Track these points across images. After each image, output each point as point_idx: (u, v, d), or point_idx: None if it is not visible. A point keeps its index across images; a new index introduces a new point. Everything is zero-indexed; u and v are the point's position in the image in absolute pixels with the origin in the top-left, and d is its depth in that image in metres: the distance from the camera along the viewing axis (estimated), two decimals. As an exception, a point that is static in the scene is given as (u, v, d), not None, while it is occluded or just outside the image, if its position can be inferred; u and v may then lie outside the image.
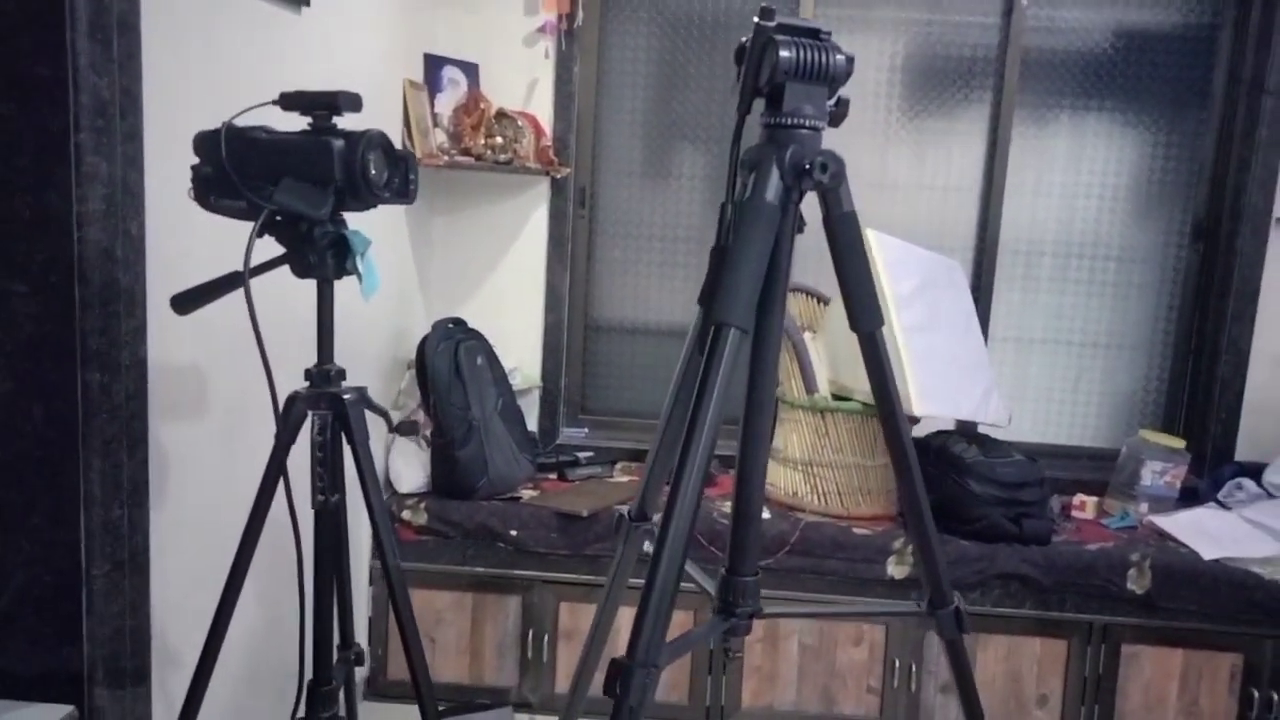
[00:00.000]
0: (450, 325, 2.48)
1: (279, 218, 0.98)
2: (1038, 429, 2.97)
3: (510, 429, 2.54)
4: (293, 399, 1.04)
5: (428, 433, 2.44)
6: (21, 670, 1.24)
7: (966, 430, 2.65)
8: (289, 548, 1.74)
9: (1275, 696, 2.29)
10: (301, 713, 1.10)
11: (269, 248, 1.04)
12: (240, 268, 1.00)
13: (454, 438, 2.35)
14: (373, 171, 0.96)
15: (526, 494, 2.49)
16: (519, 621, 2.39)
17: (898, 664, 2.35)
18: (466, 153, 2.54)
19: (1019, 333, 2.94)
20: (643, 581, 0.88)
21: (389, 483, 2.42)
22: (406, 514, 2.36)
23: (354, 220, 1.11)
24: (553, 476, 2.66)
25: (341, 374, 1.06)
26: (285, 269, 1.10)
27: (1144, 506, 2.60)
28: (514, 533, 2.34)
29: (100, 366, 1.22)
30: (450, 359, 2.38)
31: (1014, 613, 2.32)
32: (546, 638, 2.38)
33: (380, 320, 2.39)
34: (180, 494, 1.42)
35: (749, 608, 1.04)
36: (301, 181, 0.93)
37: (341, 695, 1.20)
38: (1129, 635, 2.31)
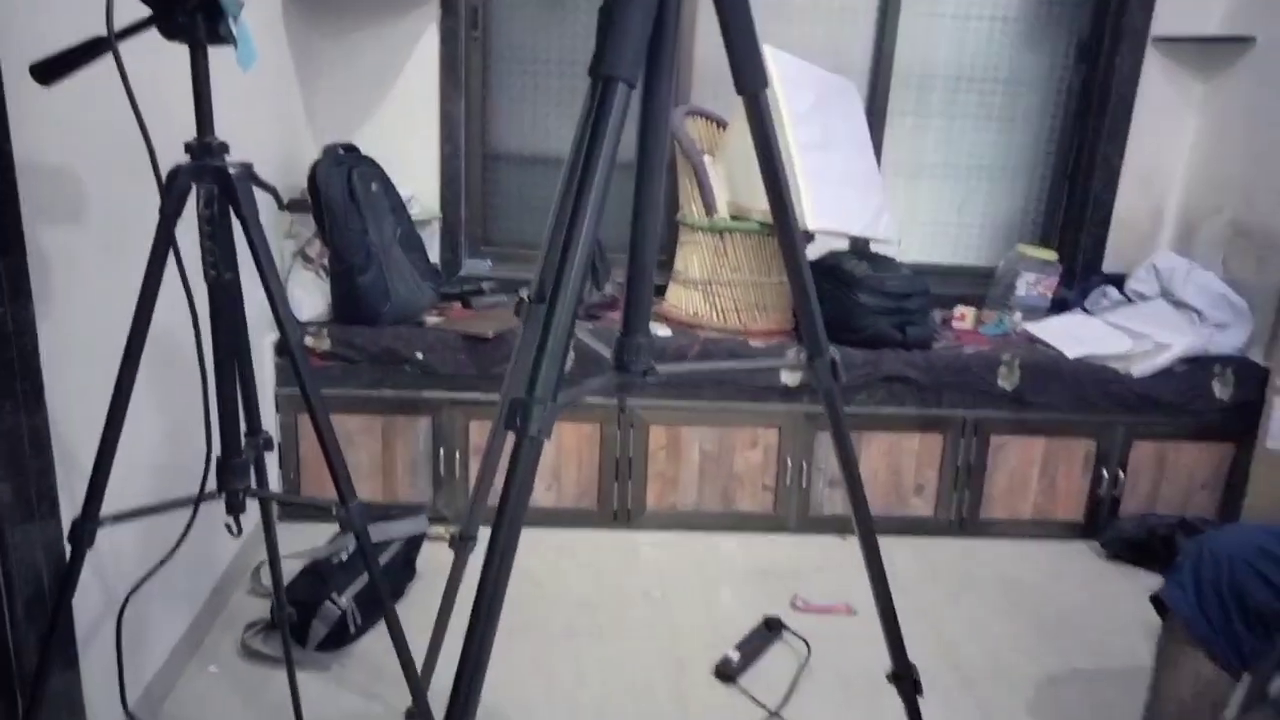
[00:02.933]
0: (342, 151, 2.40)
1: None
2: (925, 250, 3.10)
3: (411, 257, 2.52)
4: (175, 172, 1.01)
5: (325, 261, 2.40)
6: (-82, 471, 1.23)
7: (859, 250, 2.75)
8: (186, 339, 1.73)
9: (1120, 474, 2.57)
10: (212, 485, 1.13)
11: (136, 10, 0.98)
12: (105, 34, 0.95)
13: (353, 264, 2.32)
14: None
15: (431, 320, 2.50)
16: (430, 441, 2.45)
17: (789, 463, 2.52)
18: (347, -37, 2.38)
19: (910, 158, 3.02)
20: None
21: (289, 312, 2.39)
22: (309, 341, 2.35)
23: None
24: (457, 305, 2.67)
25: (225, 147, 1.04)
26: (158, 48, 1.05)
27: (1018, 315, 2.79)
28: (420, 355, 2.37)
29: (-40, 155, 1.16)
30: (344, 184, 2.31)
31: (897, 411, 2.50)
32: (458, 454, 2.46)
33: (267, 147, 2.30)
34: (66, 300, 1.38)
35: (642, 365, 1.10)
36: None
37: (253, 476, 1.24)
38: (998, 427, 2.53)
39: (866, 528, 1.30)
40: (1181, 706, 1.51)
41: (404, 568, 2.19)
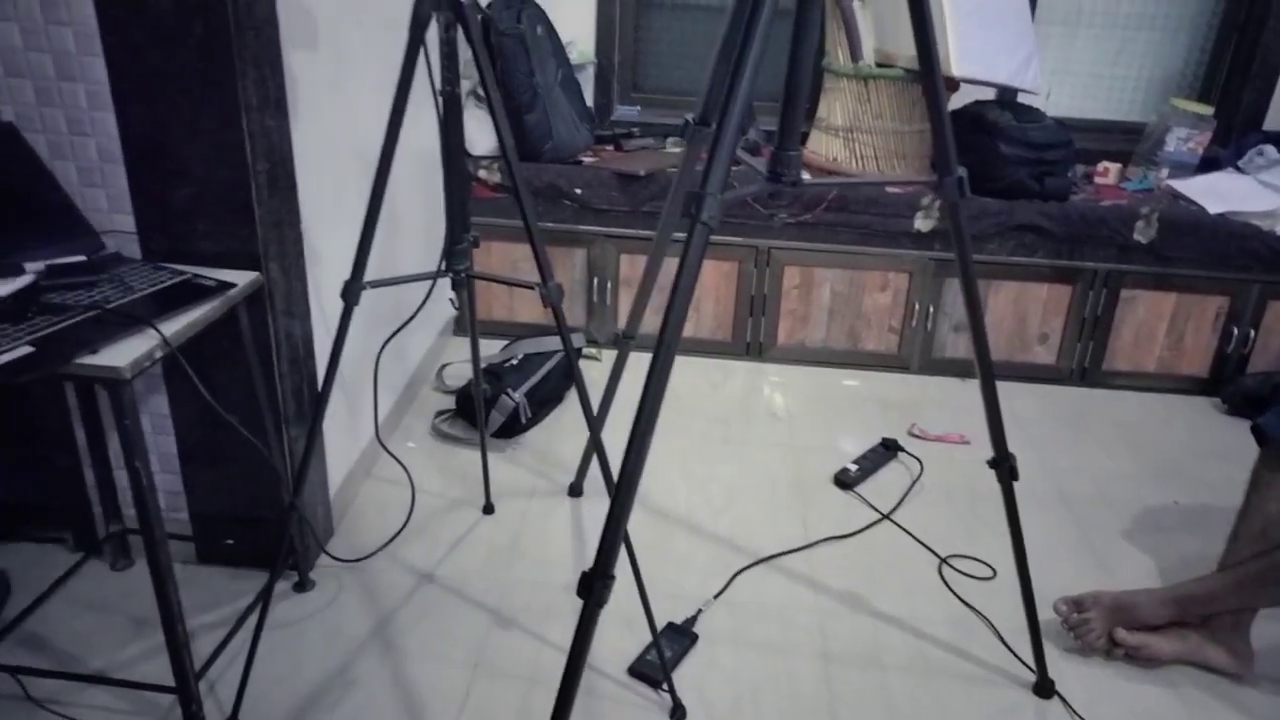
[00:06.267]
0: (510, -5, 2.59)
1: None
2: (1076, 103, 3.07)
3: (570, 100, 2.72)
4: (420, 1, 1.24)
5: (496, 100, 2.63)
6: (209, 249, 1.56)
7: (1005, 100, 2.77)
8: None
9: (1252, 333, 2.60)
10: (444, 265, 1.41)
11: None
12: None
13: (521, 102, 2.55)
14: None
15: (587, 160, 2.72)
16: (585, 271, 2.72)
17: (917, 307, 2.66)
18: None
19: (1068, 5, 2.96)
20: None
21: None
22: (482, 173, 2.61)
23: None
24: (609, 148, 2.88)
25: (455, -19, 1.25)
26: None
27: (1164, 172, 2.77)
28: (579, 191, 2.60)
29: (240, -13, 1.42)
30: (513, 25, 2.51)
31: (1027, 261, 2.58)
32: (610, 285, 2.72)
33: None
34: (312, 115, 1.67)
35: (791, 176, 1.29)
36: None
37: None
38: (1129, 281, 2.58)
39: (977, 316, 1.41)
40: (1267, 520, 1.65)
41: (563, 378, 2.50)
